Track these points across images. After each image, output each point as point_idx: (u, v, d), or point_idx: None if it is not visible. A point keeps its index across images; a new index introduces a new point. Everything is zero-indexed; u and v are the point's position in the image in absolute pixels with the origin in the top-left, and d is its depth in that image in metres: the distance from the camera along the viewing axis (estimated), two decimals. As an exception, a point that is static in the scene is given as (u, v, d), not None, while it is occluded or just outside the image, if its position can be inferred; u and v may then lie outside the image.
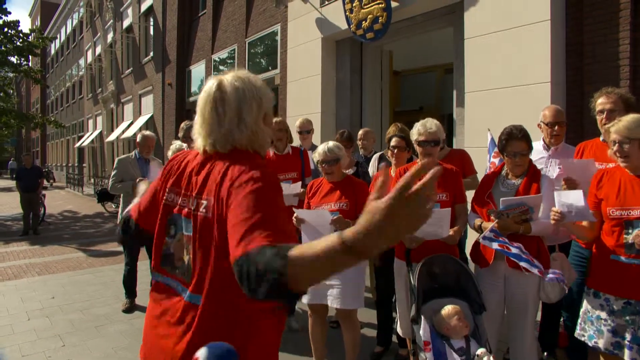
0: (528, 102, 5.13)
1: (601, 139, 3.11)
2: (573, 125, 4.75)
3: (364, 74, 8.94)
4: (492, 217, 2.84)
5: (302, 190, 4.18)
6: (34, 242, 9.68)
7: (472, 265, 3.09)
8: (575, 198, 2.54)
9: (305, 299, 3.30)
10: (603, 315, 2.53)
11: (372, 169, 4.62)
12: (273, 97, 1.51)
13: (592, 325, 2.58)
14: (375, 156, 4.61)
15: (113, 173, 5.10)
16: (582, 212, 2.54)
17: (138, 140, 5.20)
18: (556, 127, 3.43)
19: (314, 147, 5.12)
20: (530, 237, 2.80)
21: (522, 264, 2.67)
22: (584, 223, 2.67)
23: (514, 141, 2.86)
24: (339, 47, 8.96)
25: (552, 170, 3.44)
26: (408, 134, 3.76)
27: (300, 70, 9.40)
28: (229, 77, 1.46)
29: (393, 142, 3.68)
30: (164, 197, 1.53)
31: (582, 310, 2.67)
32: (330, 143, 3.34)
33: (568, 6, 5.10)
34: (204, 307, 1.34)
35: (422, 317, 2.79)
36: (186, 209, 1.45)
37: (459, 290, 2.91)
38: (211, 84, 1.47)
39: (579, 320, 2.67)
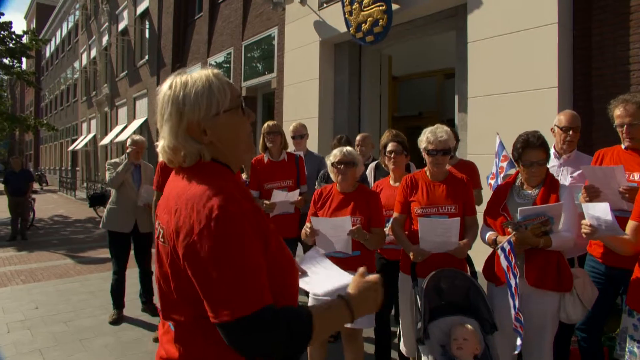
0: (534, 107, 4.95)
1: (623, 146, 2.91)
2: (581, 132, 4.57)
3: (362, 78, 8.76)
4: (508, 229, 2.63)
5: (299, 198, 3.99)
6: (22, 247, 9.40)
7: (484, 283, 2.88)
8: (602, 211, 2.32)
9: None
10: (637, 336, 2.33)
11: (369, 178, 4.41)
12: (214, 95, 1.22)
13: (628, 345, 2.38)
14: (371, 166, 4.39)
15: (108, 173, 4.90)
16: (611, 226, 2.32)
17: (127, 144, 5.00)
18: (570, 132, 3.25)
19: (309, 153, 4.92)
20: (550, 252, 2.60)
21: (509, 296, 2.50)
22: (626, 235, 2.46)
23: (531, 150, 2.66)
24: (337, 51, 8.78)
25: (563, 179, 3.24)
26: (404, 140, 3.59)
27: (297, 74, 9.22)
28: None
29: (390, 147, 3.48)
30: None
31: (620, 327, 2.47)
32: (348, 147, 3.16)
33: (576, 9, 4.94)
34: (176, 332, 1.26)
35: (429, 337, 2.59)
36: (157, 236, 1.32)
37: (469, 308, 2.71)
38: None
39: (618, 339, 2.47)
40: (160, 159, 1.31)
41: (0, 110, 17.12)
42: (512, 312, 2.45)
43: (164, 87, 1.25)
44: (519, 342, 2.44)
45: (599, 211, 2.33)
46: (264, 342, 1.08)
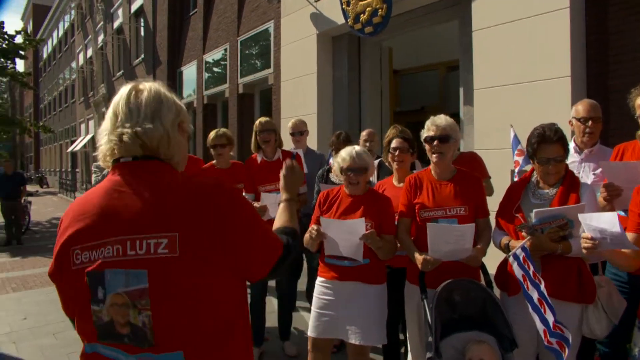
0: (545, 99, 4.66)
1: None
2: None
3: (362, 72, 8.47)
4: (522, 233, 2.35)
5: None
6: (16, 253, 9.17)
7: (497, 292, 2.61)
8: (608, 222, 1.99)
9: (312, 332, 2.79)
10: None
11: (372, 178, 4.12)
12: (190, 120, 1.48)
13: None
14: (374, 163, 4.11)
15: (94, 177, 4.65)
16: (619, 239, 1.99)
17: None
18: (590, 123, 2.97)
19: (309, 151, 4.65)
20: (570, 258, 2.32)
21: (531, 310, 2.21)
22: (626, 250, 2.16)
23: (547, 145, 2.36)
24: (335, 44, 8.50)
25: (585, 176, 2.97)
26: (410, 136, 3.31)
27: (294, 69, 8.94)
28: (146, 83, 1.34)
29: (394, 144, 3.21)
30: (75, 261, 1.18)
31: (636, 349, 2.18)
32: (358, 148, 2.85)
33: (589, -8, 4.64)
34: None
35: (442, 355, 2.32)
36: (125, 259, 1.13)
37: (485, 323, 2.43)
38: (126, 86, 1.33)
39: None
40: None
41: (-2, 113, 16.90)
42: (540, 326, 2.16)
43: (149, 85, 1.30)
44: None
45: (605, 222, 1.99)
46: (291, 263, 1.40)
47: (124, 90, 1.29)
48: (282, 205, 1.65)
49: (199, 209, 1.15)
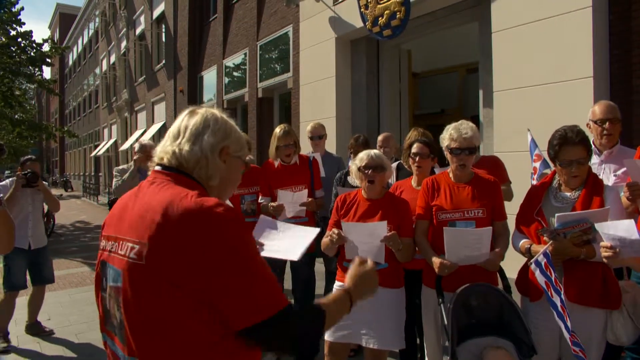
0: (567, 100, 4.57)
1: None
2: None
3: (381, 75, 8.44)
4: (544, 238, 2.31)
5: (309, 199, 3.72)
6: (41, 255, 9.36)
7: (517, 297, 2.56)
8: (627, 229, 1.97)
9: (329, 337, 2.79)
10: None
11: (391, 180, 4.10)
12: (244, 146, 1.41)
13: None
14: (393, 166, 4.09)
15: (115, 181, 4.74)
16: (638, 246, 1.96)
17: (136, 150, 4.81)
18: (607, 125, 2.91)
19: (327, 154, 4.65)
20: (593, 263, 2.27)
21: (556, 317, 2.17)
22: None
23: (569, 147, 2.32)
24: (354, 47, 8.49)
25: (605, 178, 2.90)
26: (431, 141, 3.28)
27: (313, 73, 8.96)
28: (207, 108, 1.39)
29: (415, 149, 3.18)
30: (101, 245, 1.34)
31: None
32: (375, 150, 2.89)
33: (612, -10, 4.53)
34: None
35: (458, 361, 2.29)
36: (115, 255, 1.22)
37: (502, 328, 2.40)
38: (188, 108, 1.40)
39: None
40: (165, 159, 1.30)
41: (22, 119, 17.34)
42: (566, 334, 2.12)
43: (204, 110, 1.34)
44: None
45: (622, 230, 1.97)
46: (287, 338, 1.17)
47: (182, 114, 1.37)
48: (339, 291, 1.42)
49: (180, 230, 1.10)
